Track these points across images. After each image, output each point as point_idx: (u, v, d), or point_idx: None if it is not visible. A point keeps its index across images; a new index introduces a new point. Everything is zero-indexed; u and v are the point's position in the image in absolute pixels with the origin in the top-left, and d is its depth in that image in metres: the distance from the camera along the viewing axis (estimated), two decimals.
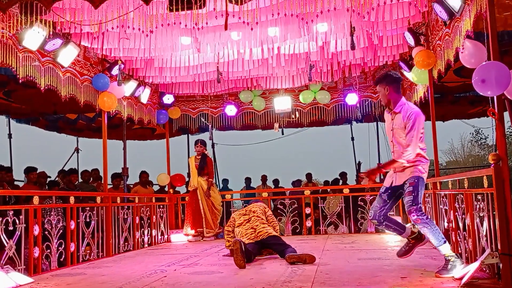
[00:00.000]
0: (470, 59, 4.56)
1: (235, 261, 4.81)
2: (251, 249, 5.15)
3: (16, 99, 8.67)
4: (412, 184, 4.05)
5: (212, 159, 9.01)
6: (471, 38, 4.47)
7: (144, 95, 8.32)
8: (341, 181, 10.57)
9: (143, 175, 9.45)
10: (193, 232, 8.37)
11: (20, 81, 5.49)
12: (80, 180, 9.01)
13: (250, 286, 3.84)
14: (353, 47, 6.49)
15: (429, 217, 4.09)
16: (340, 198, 8.59)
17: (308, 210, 8.52)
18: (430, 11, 5.85)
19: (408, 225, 5.88)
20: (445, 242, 3.97)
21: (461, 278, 3.56)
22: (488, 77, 3.63)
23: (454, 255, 3.93)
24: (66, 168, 9.78)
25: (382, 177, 9.74)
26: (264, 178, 11.87)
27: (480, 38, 4.31)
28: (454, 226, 4.77)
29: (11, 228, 4.70)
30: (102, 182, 7.75)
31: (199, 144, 8.66)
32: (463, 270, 3.69)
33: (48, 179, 8.41)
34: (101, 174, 7.99)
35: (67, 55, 6.04)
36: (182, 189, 10.30)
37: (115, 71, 7.04)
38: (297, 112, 9.56)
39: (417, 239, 4.30)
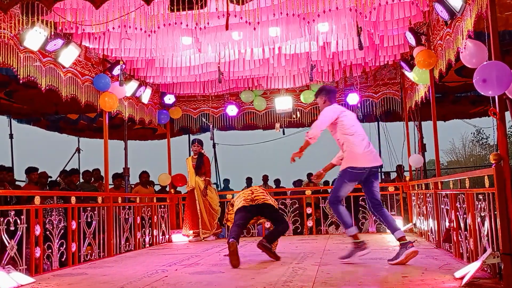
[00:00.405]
0: (471, 59, 4.56)
1: (230, 262, 4.84)
2: (242, 221, 5.30)
3: (17, 99, 8.69)
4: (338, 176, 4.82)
5: (209, 158, 8.98)
6: (472, 38, 4.47)
7: (145, 95, 8.33)
8: None
9: (143, 175, 9.45)
10: (191, 232, 8.37)
11: (21, 81, 5.49)
12: (82, 180, 9.02)
13: (251, 286, 3.84)
14: (361, 47, 6.50)
15: (339, 208, 4.77)
16: None
17: (309, 210, 8.52)
18: (431, 11, 5.85)
19: (408, 225, 5.85)
20: (350, 226, 4.75)
21: (462, 278, 3.56)
22: (489, 77, 3.63)
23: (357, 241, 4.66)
24: (68, 168, 9.79)
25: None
26: (265, 178, 11.87)
27: (481, 37, 4.32)
28: (455, 226, 4.77)
29: (12, 228, 4.70)
30: (103, 182, 7.76)
31: (196, 143, 8.66)
32: (463, 270, 3.68)
33: (49, 179, 8.41)
34: (102, 174, 8.00)
35: (68, 55, 6.04)
36: (183, 189, 10.29)
37: (116, 71, 7.05)
38: (298, 112, 9.54)
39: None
